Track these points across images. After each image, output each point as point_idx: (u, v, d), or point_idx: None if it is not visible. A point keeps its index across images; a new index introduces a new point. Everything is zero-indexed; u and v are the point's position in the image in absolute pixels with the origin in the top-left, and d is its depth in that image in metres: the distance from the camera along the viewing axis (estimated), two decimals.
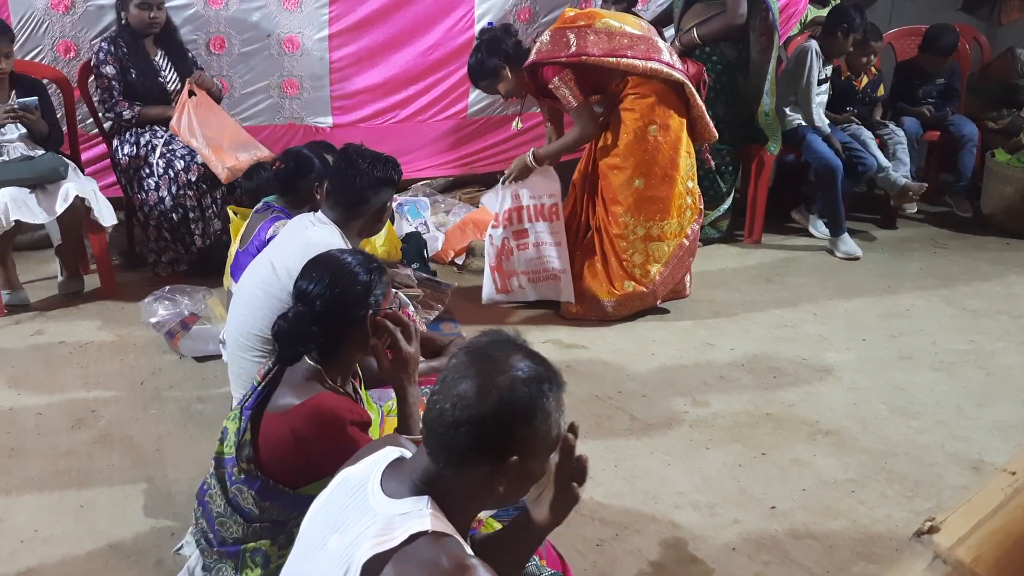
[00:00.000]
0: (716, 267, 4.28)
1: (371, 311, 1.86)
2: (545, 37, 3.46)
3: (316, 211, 2.53)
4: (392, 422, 2.21)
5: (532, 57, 3.44)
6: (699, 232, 3.73)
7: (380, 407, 2.33)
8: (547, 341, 3.42)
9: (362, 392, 2.15)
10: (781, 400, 3.00)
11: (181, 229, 3.83)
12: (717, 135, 3.70)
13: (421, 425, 1.85)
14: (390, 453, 1.38)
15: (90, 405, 2.91)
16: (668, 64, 3.44)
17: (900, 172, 4.69)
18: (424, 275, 3.90)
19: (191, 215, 3.81)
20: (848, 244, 4.44)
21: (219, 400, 2.89)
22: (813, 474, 2.57)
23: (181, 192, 3.76)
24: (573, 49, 3.36)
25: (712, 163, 4.04)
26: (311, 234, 2.40)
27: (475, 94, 4.78)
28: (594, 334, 3.50)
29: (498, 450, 1.23)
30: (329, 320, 1.82)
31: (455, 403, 1.22)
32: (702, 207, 3.71)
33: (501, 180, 3.67)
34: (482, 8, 4.63)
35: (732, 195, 4.55)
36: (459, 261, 4.29)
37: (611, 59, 3.37)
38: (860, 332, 3.55)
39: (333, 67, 4.50)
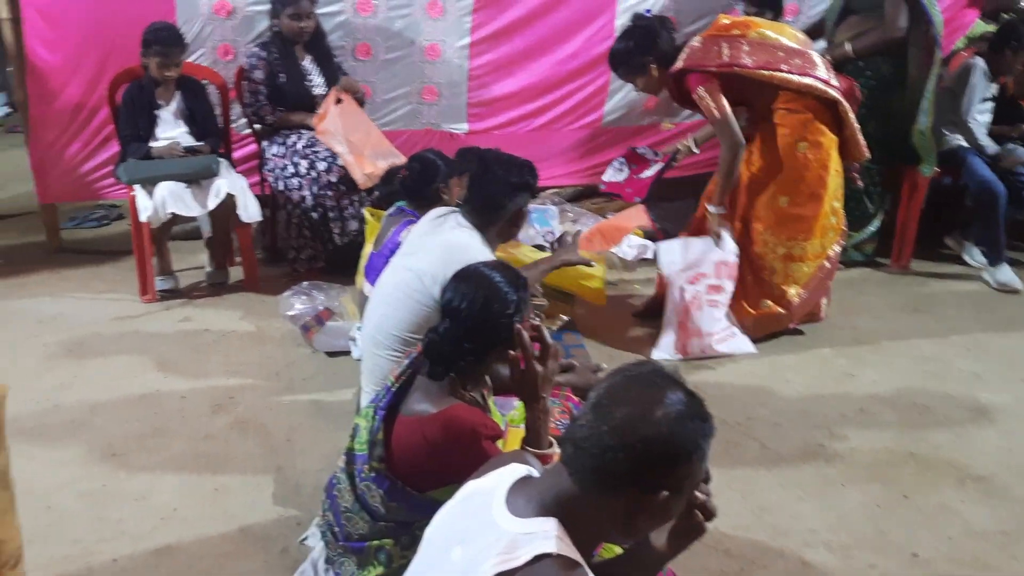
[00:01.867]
0: (859, 292, 4.06)
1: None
2: (696, 43, 3.33)
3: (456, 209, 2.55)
4: (515, 433, 2.20)
5: (680, 63, 3.33)
6: (840, 254, 3.55)
7: (504, 416, 2.32)
8: (671, 360, 3.34)
9: (489, 400, 2.15)
10: (927, 440, 2.80)
11: (320, 228, 3.97)
12: (868, 154, 3.50)
13: (554, 441, 1.85)
14: (517, 470, 1.36)
15: (229, 392, 3.04)
16: (824, 80, 3.28)
17: None
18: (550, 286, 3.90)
19: (330, 215, 3.93)
20: (1006, 275, 4.12)
21: (347, 395, 2.96)
22: (960, 522, 2.38)
23: (322, 192, 3.90)
24: (725, 59, 3.23)
25: (860, 183, 3.83)
26: (453, 239, 2.42)
27: (610, 104, 4.75)
28: (731, 359, 3.38)
29: (651, 482, 1.20)
30: (478, 337, 1.83)
31: (616, 427, 1.19)
32: (845, 228, 3.53)
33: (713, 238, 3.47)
34: (624, 18, 4.56)
35: (880, 217, 4.31)
36: None
37: (765, 72, 3.23)
38: (1018, 372, 3.28)
39: (472, 75, 4.56)
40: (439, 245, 2.41)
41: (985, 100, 4.30)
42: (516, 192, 2.46)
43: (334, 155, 3.88)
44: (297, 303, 3.47)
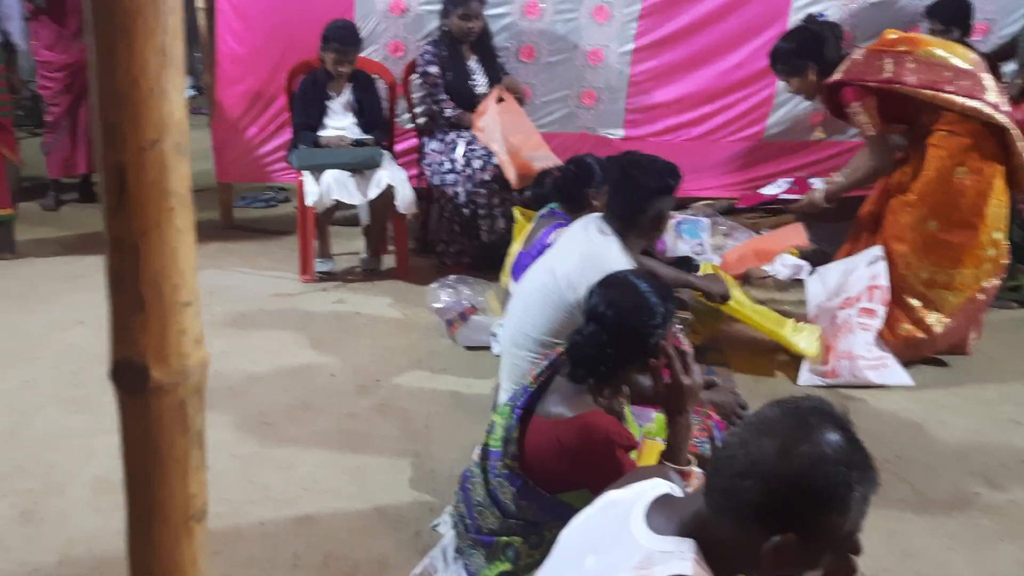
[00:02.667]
0: None
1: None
2: (858, 56, 3.23)
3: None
4: (651, 445, 2.18)
5: (838, 75, 3.23)
6: (996, 289, 3.32)
7: (641, 428, 2.30)
8: (820, 387, 3.21)
9: (626, 409, 2.14)
10: None
11: (470, 224, 4.06)
12: None
13: (692, 458, 1.83)
14: (659, 486, 1.35)
15: (375, 374, 3.17)
16: (992, 105, 3.09)
17: None
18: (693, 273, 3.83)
19: (480, 212, 4.02)
20: None
21: (485, 389, 3.02)
22: None
23: (475, 190, 3.99)
24: (887, 75, 3.12)
25: None
26: (592, 246, 2.43)
27: (774, 116, 4.61)
28: (877, 388, 3.22)
29: (777, 519, 1.14)
30: (622, 344, 1.84)
31: (750, 454, 1.16)
32: (1008, 262, 3.28)
33: (796, 217, 3.46)
34: (818, 13, 4.41)
35: None
36: None
37: (927, 91, 3.10)
38: None
39: (632, 80, 4.55)
40: (579, 251, 2.43)
41: None
42: (655, 196, 2.42)
43: (490, 154, 3.97)
44: (443, 295, 3.57)
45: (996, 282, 3.31)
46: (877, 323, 3.27)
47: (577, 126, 4.63)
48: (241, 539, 2.28)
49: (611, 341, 1.85)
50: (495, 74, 4.22)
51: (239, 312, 3.67)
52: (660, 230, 2.57)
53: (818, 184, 3.83)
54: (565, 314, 2.38)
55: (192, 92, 8.47)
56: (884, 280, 3.24)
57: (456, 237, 4.14)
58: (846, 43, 4.38)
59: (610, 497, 1.38)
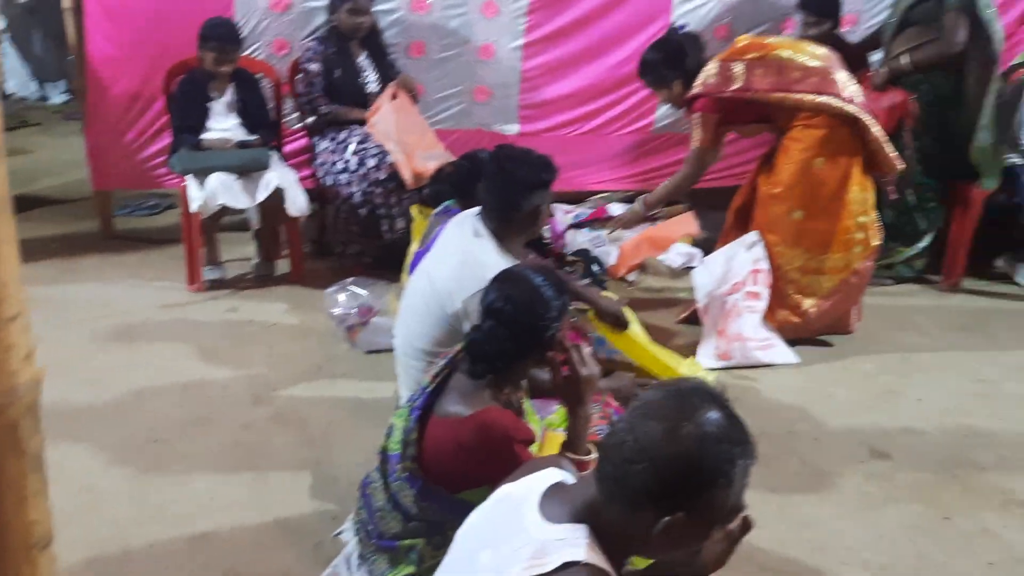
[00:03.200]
0: (905, 308, 3.98)
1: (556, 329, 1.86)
2: (712, 69, 3.35)
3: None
4: (553, 437, 2.21)
5: (697, 88, 3.37)
6: (871, 269, 3.50)
7: (541, 420, 2.32)
8: (716, 368, 3.31)
9: (526, 404, 2.15)
10: (972, 462, 2.74)
11: (368, 224, 4.00)
12: (901, 165, 3.44)
13: (592, 448, 1.85)
14: (552, 475, 1.36)
15: (271, 384, 3.09)
16: (841, 98, 3.26)
17: None
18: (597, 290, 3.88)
19: (379, 212, 3.96)
20: None
21: (387, 393, 2.98)
22: (1003, 548, 2.32)
23: (371, 189, 3.93)
24: (739, 84, 3.27)
25: (896, 195, 3.75)
26: (467, 252, 2.37)
27: (662, 110, 4.71)
28: (765, 367, 3.34)
29: (666, 500, 1.17)
30: (519, 338, 1.84)
31: (638, 439, 1.18)
32: (878, 244, 3.46)
33: (608, 231, 3.62)
34: (679, 24, 4.54)
35: (932, 233, 4.22)
36: (630, 277, 4.23)
37: (778, 93, 3.26)
38: None
39: (524, 76, 4.57)
40: (455, 258, 2.38)
41: None
42: (531, 191, 2.37)
43: (384, 152, 3.91)
44: (342, 299, 3.51)
45: (869, 263, 3.47)
46: (762, 305, 3.41)
47: (472, 122, 4.62)
48: (131, 563, 2.18)
49: (509, 336, 1.86)
50: (387, 71, 4.17)
51: (125, 326, 3.51)
52: (539, 225, 2.52)
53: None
54: (447, 325, 2.34)
55: (65, 97, 8.06)
56: (765, 263, 3.38)
57: (354, 238, 4.07)
58: (725, 37, 4.59)
59: (504, 491, 1.38)
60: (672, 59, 3.47)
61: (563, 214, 4.50)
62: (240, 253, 4.27)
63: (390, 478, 1.94)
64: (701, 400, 1.22)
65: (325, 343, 3.42)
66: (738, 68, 3.29)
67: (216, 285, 3.94)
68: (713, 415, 1.20)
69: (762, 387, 3.21)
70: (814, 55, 3.33)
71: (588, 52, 4.58)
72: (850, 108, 3.26)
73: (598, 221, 4.04)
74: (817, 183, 3.31)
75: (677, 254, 4.38)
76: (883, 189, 3.57)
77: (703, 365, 3.32)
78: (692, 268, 4.18)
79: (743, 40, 3.43)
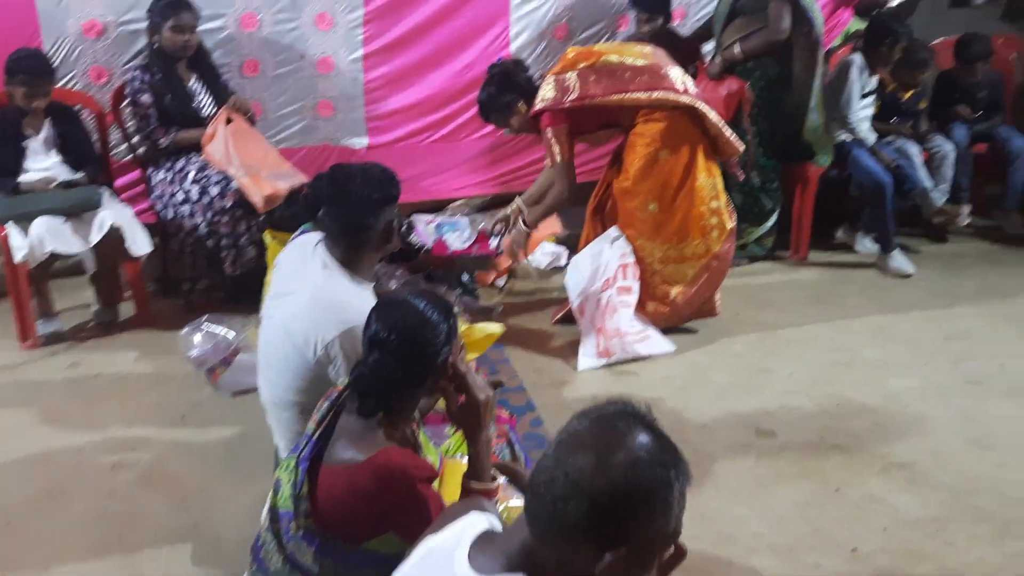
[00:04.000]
0: (763, 286, 4.16)
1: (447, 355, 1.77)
2: (548, 85, 3.39)
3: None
4: (452, 465, 2.12)
5: (537, 106, 3.38)
6: (731, 251, 3.60)
7: (438, 448, 2.22)
8: (599, 367, 3.32)
9: (421, 436, 2.04)
10: (848, 431, 2.87)
11: (217, 256, 3.75)
12: (741, 148, 3.56)
13: (498, 473, 1.77)
14: (477, 522, 1.27)
15: (131, 443, 2.82)
16: (674, 90, 3.36)
17: (941, 188, 4.58)
18: (470, 300, 3.82)
19: (224, 242, 3.71)
20: (899, 261, 4.30)
21: (262, 439, 2.76)
22: (892, 512, 2.44)
23: (216, 218, 3.68)
24: (576, 94, 3.31)
25: (742, 176, 3.92)
26: (317, 290, 2.17)
27: None
28: (647, 361, 3.39)
29: (606, 535, 1.09)
30: (409, 368, 1.73)
31: (568, 473, 1.11)
32: (733, 226, 3.59)
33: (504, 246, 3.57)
34: (518, 26, 4.55)
35: (777, 212, 4.42)
36: (500, 283, 4.20)
37: (615, 96, 3.32)
38: (921, 356, 3.41)
39: (368, 87, 4.43)
40: (304, 296, 2.16)
41: (866, 95, 4.47)
42: (381, 208, 2.20)
43: (228, 178, 3.67)
44: (198, 339, 3.25)
45: (728, 246, 3.59)
46: (634, 299, 3.46)
47: (318, 138, 4.43)
48: None
49: (398, 367, 1.74)
50: (221, 93, 3.91)
51: None
52: (393, 241, 2.40)
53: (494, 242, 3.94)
54: (310, 373, 2.14)
55: None
56: (631, 256, 3.43)
57: (203, 272, 3.80)
58: (564, 37, 4.63)
59: (428, 544, 1.28)
60: (505, 85, 3.49)
61: (424, 224, 4.40)
62: (76, 301, 3.89)
63: (284, 538, 1.78)
64: (628, 425, 1.16)
65: (186, 390, 3.17)
66: (571, 78, 3.34)
67: (53, 339, 3.57)
68: (643, 439, 1.14)
69: (645, 380, 3.25)
70: (640, 54, 3.43)
71: (431, 59, 4.50)
72: (684, 99, 3.35)
73: (484, 257, 3.93)
74: (665, 174, 3.38)
75: (543, 254, 4.39)
76: (730, 172, 3.69)
77: (584, 365, 3.33)
78: (560, 267, 4.22)
79: (571, 52, 3.47)
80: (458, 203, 4.81)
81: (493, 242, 4.03)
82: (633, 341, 3.42)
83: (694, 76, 4.40)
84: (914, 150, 4.55)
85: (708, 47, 4.63)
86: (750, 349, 3.49)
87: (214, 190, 3.69)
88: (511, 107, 3.49)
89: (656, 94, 3.32)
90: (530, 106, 3.44)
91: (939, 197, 4.56)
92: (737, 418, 2.94)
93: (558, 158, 3.39)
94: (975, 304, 3.91)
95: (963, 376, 3.23)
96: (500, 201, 4.97)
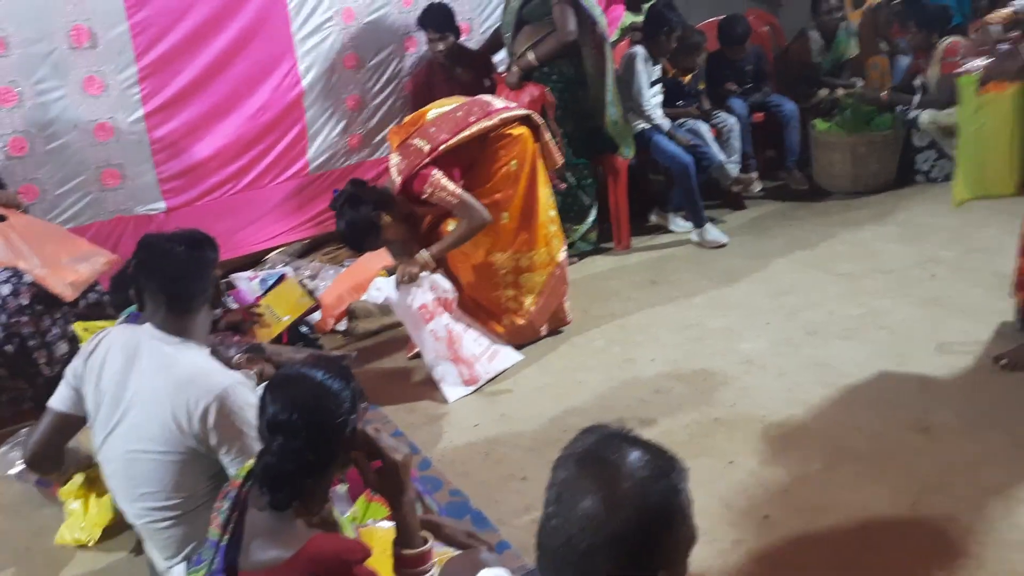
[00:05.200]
0: (599, 279, 4.27)
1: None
2: (395, 159, 3.31)
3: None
4: (369, 533, 1.98)
5: (399, 180, 3.26)
6: (567, 258, 3.70)
7: (345, 517, 2.06)
8: (469, 395, 3.26)
9: (335, 514, 1.89)
10: (721, 402, 2.99)
11: (20, 362, 3.31)
12: (562, 160, 3.69)
13: (428, 535, 1.67)
14: None
15: None
16: (507, 108, 3.43)
17: (733, 159, 4.93)
18: (318, 352, 3.62)
19: (30, 343, 3.29)
20: (713, 233, 4.57)
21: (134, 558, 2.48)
22: (785, 472, 2.56)
23: (14, 320, 3.25)
24: (428, 148, 3.25)
25: (563, 186, 4.02)
26: (170, 365, 1.98)
27: (314, 149, 4.52)
28: (515, 376, 3.38)
29: (642, 566, 1.06)
30: (320, 445, 1.59)
31: (584, 527, 1.05)
32: (564, 231, 3.68)
33: (397, 283, 3.37)
34: (306, 61, 4.38)
35: (595, 207, 4.56)
36: (341, 327, 4.02)
37: (464, 133, 3.30)
38: (760, 316, 3.63)
39: (155, 148, 4.09)
40: (162, 383, 1.96)
41: (654, 83, 4.71)
42: (203, 271, 2.09)
43: (18, 274, 3.25)
44: (19, 457, 2.85)
45: (565, 253, 3.66)
46: (467, 320, 3.44)
47: (108, 211, 4.04)
48: None
49: (307, 448, 1.59)
50: None
51: None
52: (217, 304, 2.25)
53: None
54: (183, 464, 1.95)
55: None
56: (451, 294, 3.36)
57: (6, 382, 3.34)
58: (355, 67, 4.51)
59: None
60: (357, 205, 3.23)
61: (247, 282, 4.13)
62: None
63: None
64: (614, 450, 1.12)
65: (22, 516, 2.77)
66: (416, 141, 3.28)
67: None
68: (635, 457, 1.11)
69: (520, 395, 3.23)
70: (456, 100, 3.47)
71: (220, 108, 4.23)
72: (515, 113, 3.42)
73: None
74: (515, 183, 3.42)
75: (376, 290, 4.24)
76: (552, 182, 3.76)
77: (453, 396, 3.25)
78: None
79: (394, 129, 3.46)
80: (276, 252, 4.58)
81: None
82: (487, 361, 3.41)
83: (492, 89, 4.48)
84: (704, 128, 4.86)
85: (499, 57, 4.70)
86: (609, 343, 3.56)
87: (5, 290, 3.25)
88: (375, 223, 3.25)
89: (495, 117, 3.35)
90: (391, 210, 3.29)
91: (733, 168, 4.90)
92: (618, 413, 2.97)
93: (454, 199, 3.23)
94: (788, 259, 4.23)
95: (802, 328, 3.47)
96: (321, 243, 4.81)
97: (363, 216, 3.22)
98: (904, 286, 3.72)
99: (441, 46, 4.39)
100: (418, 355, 3.58)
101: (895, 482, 2.44)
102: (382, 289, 4.16)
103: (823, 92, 5.45)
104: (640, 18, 5.00)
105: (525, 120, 3.48)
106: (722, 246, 4.52)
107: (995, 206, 4.25)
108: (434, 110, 3.42)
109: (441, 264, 3.45)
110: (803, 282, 3.93)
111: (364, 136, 4.64)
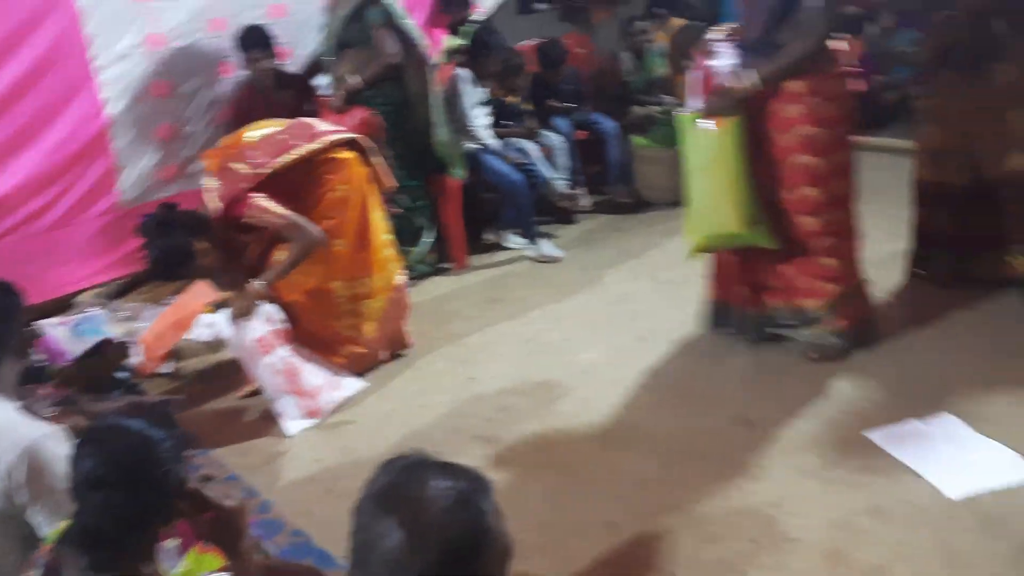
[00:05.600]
0: (439, 301, 4.26)
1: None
2: (213, 183, 3.16)
3: None
4: None
5: (219, 205, 3.11)
6: (406, 282, 3.68)
7: (174, 572, 1.93)
8: (311, 427, 3.14)
9: (163, 572, 1.76)
10: (563, 412, 3.04)
11: None
12: (395, 184, 3.68)
13: None
14: None
15: None
16: (333, 131, 3.37)
17: (561, 175, 5.08)
18: (137, 399, 3.38)
19: None
20: (548, 248, 4.67)
21: None
22: (627, 476, 2.62)
23: None
24: (248, 171, 3.13)
25: (398, 209, 3.99)
26: None
27: (124, 182, 4.24)
28: (358, 405, 3.29)
29: None
30: (143, 499, 1.47)
31: (393, 569, 1.01)
32: (401, 255, 3.66)
33: (232, 317, 3.21)
34: (110, 90, 4.09)
35: (432, 228, 4.55)
36: (164, 370, 3.77)
37: (286, 156, 3.20)
38: (595, 327, 3.74)
39: None
40: None
41: (479, 104, 4.77)
42: (7, 319, 1.99)
43: None
44: None
45: (402, 277, 3.63)
46: (303, 352, 3.31)
47: None
48: None
49: (130, 503, 1.47)
50: None
51: None
52: (25, 349, 2.13)
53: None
54: None
55: None
56: (274, 312, 3.26)
57: None
58: (168, 95, 4.28)
59: None
60: (167, 234, 3.02)
61: (55, 328, 3.81)
62: None
63: None
64: (413, 483, 1.09)
65: None
66: (235, 164, 3.15)
67: None
68: (434, 487, 1.07)
69: (363, 427, 3.14)
70: (276, 123, 3.36)
71: (14, 144, 3.87)
72: (340, 136, 3.36)
73: (121, 346, 3.43)
74: (350, 210, 3.34)
75: (204, 327, 4.03)
76: (385, 204, 3.72)
77: (293, 429, 3.14)
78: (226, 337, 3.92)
79: (210, 153, 3.31)
80: (90, 294, 4.26)
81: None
82: (330, 390, 3.31)
83: (315, 114, 4.38)
84: (531, 147, 4.97)
85: (323, 80, 4.61)
86: (451, 364, 3.55)
87: None
88: (188, 250, 3.06)
89: (319, 140, 3.26)
90: (209, 240, 3.11)
91: (562, 184, 5.04)
92: (464, 435, 2.97)
93: (281, 221, 3.09)
94: (618, 269, 4.39)
95: (635, 336, 3.59)
96: (139, 280, 4.51)
97: (175, 242, 3.03)
98: None
99: (264, 64, 4.26)
100: (251, 394, 3.43)
101: (725, 475, 2.56)
102: (213, 325, 4.01)
103: (638, 109, 5.76)
104: (462, 41, 5.06)
105: (352, 144, 3.43)
106: (556, 260, 4.62)
107: None
108: (253, 132, 3.29)
109: (274, 296, 3.32)
110: (633, 291, 4.09)
111: (180, 166, 4.40)
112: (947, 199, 3.55)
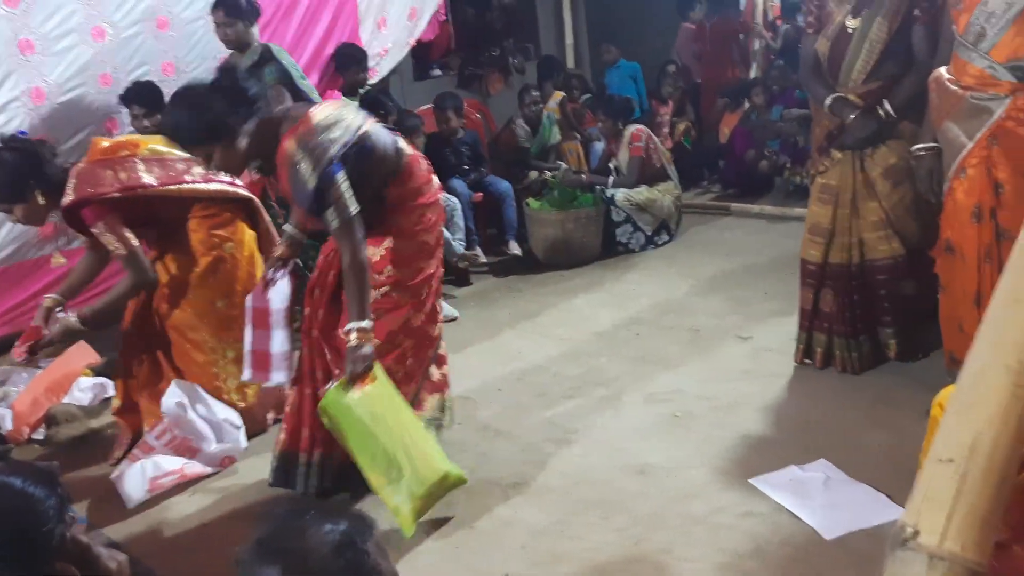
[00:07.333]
0: None
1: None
2: (83, 169, 3.05)
3: None
4: None
5: (71, 197, 2.99)
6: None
7: None
8: (195, 493, 3.02)
9: None
10: (463, 466, 3.01)
11: None
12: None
13: None
14: None
15: None
16: (232, 184, 3.31)
17: (458, 236, 5.14)
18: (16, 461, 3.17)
19: None
20: (445, 309, 4.67)
21: None
22: (524, 529, 2.62)
23: None
24: (121, 183, 3.03)
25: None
26: None
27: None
28: (242, 462, 3.19)
29: None
30: (24, 561, 1.38)
31: None
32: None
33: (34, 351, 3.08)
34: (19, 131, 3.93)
35: None
36: (39, 436, 3.57)
37: (172, 186, 3.13)
38: (493, 384, 3.74)
39: None
40: None
41: None
42: None
43: None
44: None
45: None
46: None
47: None
48: None
49: (9, 563, 1.39)
50: None
51: None
52: None
53: None
54: None
55: None
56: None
57: None
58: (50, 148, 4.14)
59: None
60: (24, 167, 2.95)
61: None
62: None
63: None
64: (290, 527, 1.09)
65: None
66: (116, 170, 3.04)
67: None
68: (311, 532, 1.08)
69: (251, 488, 3.04)
70: (180, 151, 3.23)
71: None
72: (241, 191, 3.33)
73: None
74: (233, 268, 3.28)
75: (82, 391, 3.84)
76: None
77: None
78: (107, 398, 3.74)
79: (104, 141, 3.18)
80: None
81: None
82: (190, 470, 3.11)
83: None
84: None
85: None
86: None
87: None
88: (25, 194, 2.95)
89: (214, 186, 3.20)
90: (53, 199, 2.98)
91: (459, 245, 5.09)
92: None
93: (123, 249, 3.00)
94: (514, 328, 4.44)
95: (532, 392, 3.62)
96: (7, 344, 4.24)
97: (20, 178, 2.93)
98: (614, 346, 4.04)
99: (148, 122, 4.18)
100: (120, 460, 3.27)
101: (620, 523, 2.59)
102: (87, 390, 3.83)
103: (533, 174, 5.94)
104: (356, 102, 5.11)
105: (245, 204, 3.38)
106: (454, 319, 4.64)
107: (688, 272, 4.87)
108: (157, 145, 3.15)
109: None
110: (529, 348, 4.14)
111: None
112: (832, 279, 3.40)
